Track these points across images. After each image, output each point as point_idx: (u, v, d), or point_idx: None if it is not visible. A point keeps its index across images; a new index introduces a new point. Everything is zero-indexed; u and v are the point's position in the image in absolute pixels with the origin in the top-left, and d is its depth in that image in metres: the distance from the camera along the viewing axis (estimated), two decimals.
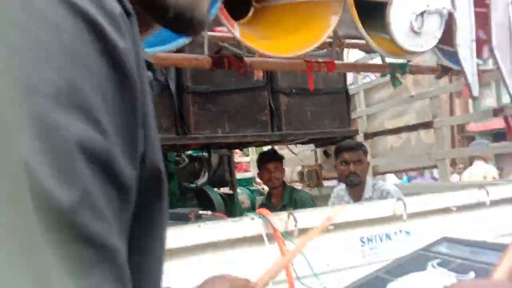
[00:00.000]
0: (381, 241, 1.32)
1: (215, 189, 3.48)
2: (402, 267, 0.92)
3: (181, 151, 3.03)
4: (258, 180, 4.27)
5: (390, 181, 4.16)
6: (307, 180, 3.33)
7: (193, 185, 3.14)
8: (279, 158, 2.71)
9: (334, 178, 3.35)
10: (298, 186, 3.44)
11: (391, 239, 1.33)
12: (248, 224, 1.14)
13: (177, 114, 2.22)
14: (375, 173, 2.96)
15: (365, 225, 1.31)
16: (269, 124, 2.47)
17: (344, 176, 2.31)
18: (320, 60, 1.71)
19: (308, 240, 0.77)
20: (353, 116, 2.88)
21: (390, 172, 3.44)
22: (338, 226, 1.27)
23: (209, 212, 1.94)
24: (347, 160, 2.28)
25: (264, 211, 1.17)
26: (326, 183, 3.43)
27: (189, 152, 3.29)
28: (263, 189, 4.01)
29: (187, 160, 3.16)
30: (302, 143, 3.13)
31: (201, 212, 2.06)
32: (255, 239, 1.14)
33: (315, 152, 3.42)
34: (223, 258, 1.12)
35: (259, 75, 1.71)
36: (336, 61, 1.76)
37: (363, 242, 1.30)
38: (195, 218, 2.04)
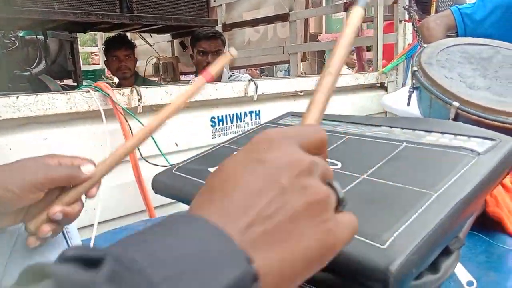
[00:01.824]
0: (231, 122, 1.30)
1: (57, 81, 3.08)
2: (248, 138, 0.89)
3: (8, 30, 2.52)
4: (109, 75, 3.91)
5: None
6: (163, 73, 3.15)
7: (26, 73, 2.70)
8: (130, 45, 2.46)
9: (191, 73, 3.24)
10: (154, 79, 3.24)
11: (241, 120, 1.32)
12: (82, 98, 0.97)
13: None
14: (232, 68, 2.93)
15: (216, 105, 1.26)
16: (118, 3, 2.17)
17: (202, 67, 2.22)
18: None
19: (162, 118, 0.66)
20: (212, 4, 2.71)
21: (246, 67, 3.47)
22: (189, 106, 1.20)
23: None
24: (205, 49, 2.17)
25: (102, 84, 1.01)
26: (183, 78, 3.31)
27: (21, 33, 2.77)
28: (114, 83, 3.69)
29: (17, 43, 2.66)
30: (157, 32, 2.88)
31: None
32: (91, 116, 0.99)
33: (172, 44, 3.21)
34: (52, 138, 0.96)
35: None
36: None
37: (214, 123, 1.26)
38: None
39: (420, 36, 1.71)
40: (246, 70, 6.71)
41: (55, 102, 0.93)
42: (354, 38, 0.42)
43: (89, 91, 0.98)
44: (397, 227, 0.50)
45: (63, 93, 0.95)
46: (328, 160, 0.72)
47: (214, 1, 2.73)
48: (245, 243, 0.23)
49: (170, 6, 2.41)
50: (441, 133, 0.75)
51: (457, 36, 1.58)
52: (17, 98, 0.89)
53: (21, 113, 0.89)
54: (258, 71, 6.56)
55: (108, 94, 0.98)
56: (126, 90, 1.03)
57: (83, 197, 0.55)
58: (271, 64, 2.82)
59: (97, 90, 0.98)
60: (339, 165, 0.69)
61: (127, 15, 2.24)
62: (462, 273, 0.64)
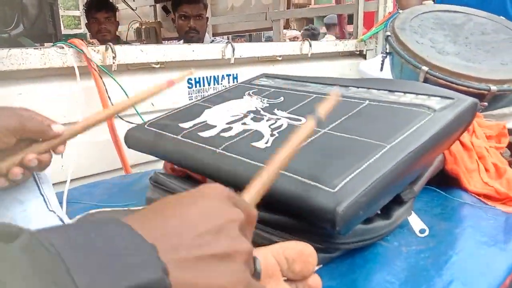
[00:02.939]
0: (208, 84, 1.31)
1: (37, 44, 3.01)
2: (221, 96, 0.91)
3: None
4: (92, 40, 3.84)
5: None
6: (145, 38, 3.10)
7: (4, 35, 2.63)
8: (110, 7, 2.42)
9: (174, 38, 3.20)
10: (136, 45, 3.20)
11: (218, 83, 1.33)
12: (56, 54, 0.97)
13: None
14: (215, 34, 2.91)
15: (193, 66, 1.27)
16: None
17: (183, 31, 2.20)
18: None
19: (131, 102, 0.69)
20: None
21: (229, 34, 3.43)
22: (166, 66, 1.20)
23: None
24: (187, 13, 2.14)
25: (77, 40, 1.01)
26: (165, 43, 3.26)
27: None
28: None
29: None
30: None
31: None
32: (65, 72, 1.00)
33: (154, 8, 3.15)
34: (26, 93, 0.96)
35: None
36: None
37: (191, 84, 1.27)
38: None
39: (398, 3, 1.72)
40: (233, 40, 6.64)
41: (29, 57, 0.93)
42: (300, 145, 0.47)
43: (63, 47, 0.98)
44: (348, 174, 0.54)
45: (36, 48, 0.94)
46: (294, 116, 0.75)
47: None
48: (167, 259, 0.25)
49: None
50: (404, 92, 0.78)
51: (435, 3, 1.59)
52: None
53: None
54: (245, 41, 6.49)
55: (82, 51, 0.98)
56: (101, 48, 1.04)
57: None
58: (254, 31, 2.81)
59: (71, 47, 0.98)
60: (303, 120, 0.72)
61: None
62: (415, 222, 0.68)
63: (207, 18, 2.24)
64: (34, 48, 0.94)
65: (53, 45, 1.00)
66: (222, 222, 0.29)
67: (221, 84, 1.34)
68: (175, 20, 2.23)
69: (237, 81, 1.38)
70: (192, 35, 2.17)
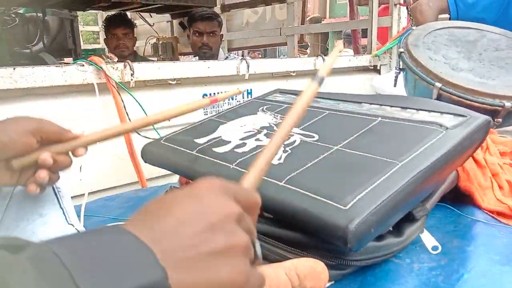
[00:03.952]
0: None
1: (57, 59, 3.10)
2: (235, 112, 0.93)
3: (8, 7, 2.54)
4: (110, 54, 3.93)
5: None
6: (162, 53, 3.17)
7: (27, 51, 2.72)
8: (129, 24, 2.48)
9: (190, 53, 3.25)
10: (153, 59, 3.26)
11: (233, 98, 1.35)
12: (76, 71, 1.01)
13: None
14: (230, 49, 2.95)
15: (209, 82, 1.29)
16: None
17: (197, 47, 2.24)
18: None
19: (159, 118, 0.68)
20: None
21: (244, 49, 3.48)
22: (182, 82, 1.23)
23: None
24: (200, 30, 2.19)
25: (97, 58, 1.05)
26: (182, 58, 3.32)
27: (21, 11, 2.78)
28: (114, 62, 3.69)
29: (17, 20, 2.67)
30: (157, 11, 2.88)
31: None
32: (85, 89, 1.03)
33: (171, 24, 3.22)
34: (47, 109, 1.00)
35: None
36: None
37: None
38: None
39: (413, 19, 1.73)
40: (249, 53, 6.69)
41: (51, 74, 0.97)
42: (305, 110, 0.45)
43: (83, 65, 1.01)
44: (360, 191, 0.55)
45: (58, 66, 0.98)
46: (306, 132, 0.76)
47: None
48: (165, 262, 0.25)
49: None
50: (416, 109, 0.79)
51: (450, 19, 1.59)
52: (14, 69, 0.93)
53: (17, 84, 0.92)
54: (260, 56, 6.55)
55: (102, 68, 1.02)
56: (120, 65, 1.07)
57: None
58: (268, 46, 2.84)
59: (91, 64, 1.02)
60: (316, 137, 0.73)
61: None
62: (428, 239, 0.68)
63: (222, 35, 2.28)
64: (56, 66, 0.98)
65: (73, 63, 1.04)
66: (218, 218, 0.29)
67: (236, 99, 1.36)
68: (189, 36, 2.27)
69: (251, 97, 1.40)
70: (205, 51, 2.21)
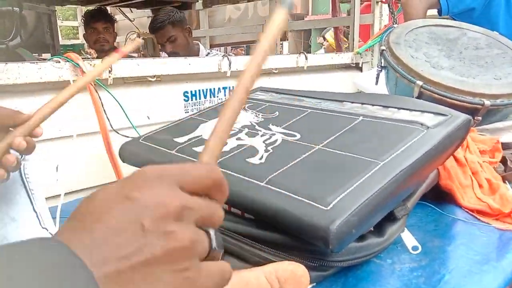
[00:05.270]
0: (204, 97, 1.31)
1: (35, 55, 3.02)
2: (216, 110, 0.92)
3: None
4: (89, 49, 3.85)
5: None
6: (143, 49, 3.11)
7: (3, 46, 2.64)
8: (108, 18, 2.43)
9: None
10: (133, 55, 3.20)
11: (215, 95, 1.34)
12: (52, 68, 0.98)
13: None
14: (212, 45, 2.92)
15: (189, 79, 1.27)
16: None
17: (167, 52, 2.20)
18: None
19: (97, 72, 0.71)
20: None
21: (226, 45, 3.45)
22: (160, 79, 1.21)
23: None
24: (160, 42, 2.17)
25: (73, 55, 1.01)
26: (163, 54, 3.27)
27: None
28: (93, 58, 3.62)
29: None
30: (136, 6, 2.84)
31: None
32: (61, 86, 0.99)
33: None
34: (22, 107, 0.96)
35: None
36: None
37: (187, 97, 1.27)
38: None
39: (395, 17, 1.74)
40: (232, 50, 6.65)
41: (25, 71, 0.94)
42: (274, 44, 0.37)
43: (59, 61, 0.98)
44: (341, 191, 0.54)
45: (33, 62, 0.95)
46: (288, 131, 0.75)
47: None
48: (97, 274, 0.23)
49: None
50: (397, 108, 0.79)
51: (440, 13, 1.61)
52: None
53: None
54: (243, 52, 6.52)
55: (78, 65, 0.99)
56: (97, 61, 1.04)
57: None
58: (251, 43, 2.83)
59: (68, 61, 0.99)
60: (298, 136, 0.73)
61: None
62: (408, 239, 0.68)
63: (188, 27, 2.22)
64: (31, 62, 0.94)
65: (49, 59, 1.01)
66: (150, 219, 0.25)
67: (217, 96, 1.35)
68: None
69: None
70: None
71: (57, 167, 1.03)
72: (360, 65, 1.80)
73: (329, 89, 1.73)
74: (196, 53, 2.23)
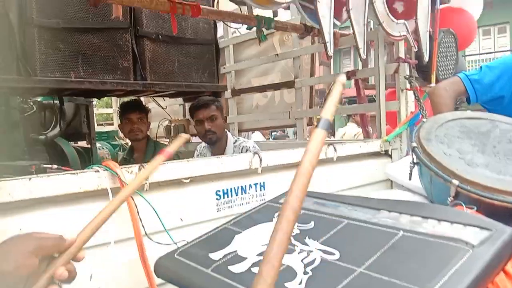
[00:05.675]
0: (236, 194, 1.32)
1: (71, 143, 3.18)
2: (250, 218, 0.92)
3: (26, 96, 2.65)
4: (122, 135, 4.02)
5: (255, 138, 4.33)
6: (174, 135, 3.23)
7: (42, 137, 2.80)
8: (143, 109, 2.55)
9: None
10: (165, 141, 3.32)
11: (246, 192, 1.34)
12: (91, 177, 1.01)
13: (19, 51, 1.88)
14: (241, 130, 3.01)
15: (220, 178, 1.29)
16: (132, 71, 2.27)
17: (202, 135, 2.28)
18: (185, 2, 1.59)
19: (136, 184, 0.74)
20: (222, 71, 2.83)
21: (254, 130, 3.54)
22: (193, 180, 1.23)
23: (55, 166, 1.73)
24: (200, 118, 2.24)
25: (111, 163, 1.05)
26: (194, 139, 3.38)
27: (38, 98, 2.90)
28: (127, 144, 3.78)
29: (35, 107, 2.78)
30: (170, 96, 2.99)
31: (45, 165, 1.83)
32: (99, 193, 1.03)
33: (184, 107, 3.32)
34: (62, 215, 0.99)
35: (118, 11, 1.52)
36: (201, 6, 1.67)
37: (219, 196, 1.28)
38: (37, 171, 1.80)
39: (421, 104, 1.76)
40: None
41: (66, 182, 0.97)
42: (316, 163, 0.40)
43: (98, 171, 1.02)
44: None
45: (74, 173, 0.99)
46: (326, 248, 0.73)
47: (224, 68, 2.85)
48: None
49: (181, 74, 2.52)
50: (438, 220, 0.77)
51: (468, 101, 1.61)
52: (29, 180, 0.94)
53: (32, 195, 0.93)
54: (268, 134, 6.68)
55: (116, 173, 1.02)
56: (134, 168, 1.07)
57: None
58: (278, 128, 2.90)
59: (106, 169, 1.03)
60: (337, 254, 0.71)
61: (140, 83, 2.34)
62: None
63: (224, 118, 2.32)
64: (71, 174, 0.98)
65: (88, 167, 1.05)
66: None
67: (249, 193, 1.35)
68: (195, 126, 2.35)
69: (264, 189, 1.39)
70: (210, 137, 2.27)
71: (91, 276, 1.03)
72: (390, 152, 1.80)
73: (360, 178, 1.73)
74: (225, 138, 2.31)
